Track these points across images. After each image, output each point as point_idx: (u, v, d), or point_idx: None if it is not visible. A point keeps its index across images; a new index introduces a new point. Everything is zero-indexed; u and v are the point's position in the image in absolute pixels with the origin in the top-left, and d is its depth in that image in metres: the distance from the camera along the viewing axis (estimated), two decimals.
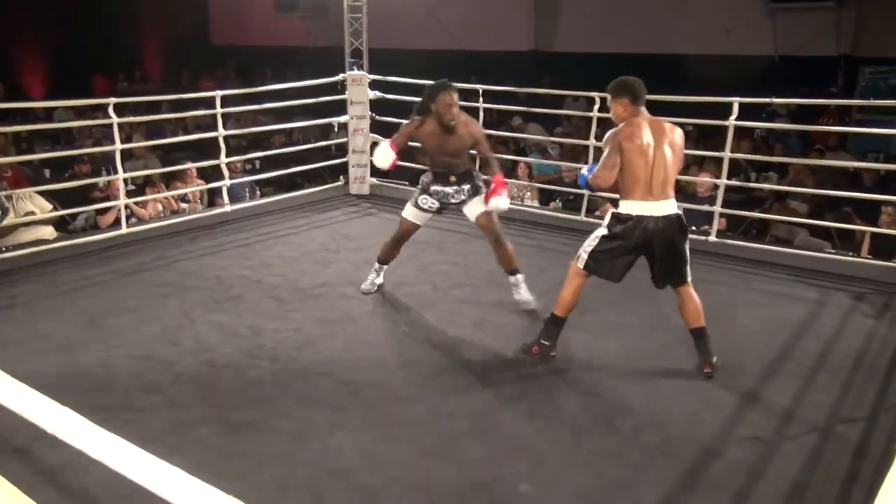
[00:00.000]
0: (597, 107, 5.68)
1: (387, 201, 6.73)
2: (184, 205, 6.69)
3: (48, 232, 5.64)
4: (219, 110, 5.84)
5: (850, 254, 5.26)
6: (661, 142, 3.33)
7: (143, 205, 6.25)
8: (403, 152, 4.29)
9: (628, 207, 3.35)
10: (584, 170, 3.59)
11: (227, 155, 6.04)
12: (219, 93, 5.86)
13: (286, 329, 3.96)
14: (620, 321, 4.09)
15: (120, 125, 5.34)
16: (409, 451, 2.85)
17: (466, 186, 4.26)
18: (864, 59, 9.84)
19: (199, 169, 6.63)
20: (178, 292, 4.49)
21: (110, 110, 5.23)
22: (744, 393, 3.31)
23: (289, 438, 2.93)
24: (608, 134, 3.41)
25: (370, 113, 6.81)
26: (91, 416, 1.67)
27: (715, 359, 3.44)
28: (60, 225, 5.91)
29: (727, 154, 5.23)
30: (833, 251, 5.40)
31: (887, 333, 3.97)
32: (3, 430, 2.79)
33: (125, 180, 5.69)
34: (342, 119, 6.87)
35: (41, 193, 5.70)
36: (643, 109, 3.41)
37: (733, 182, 5.61)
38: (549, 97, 7.81)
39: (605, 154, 3.37)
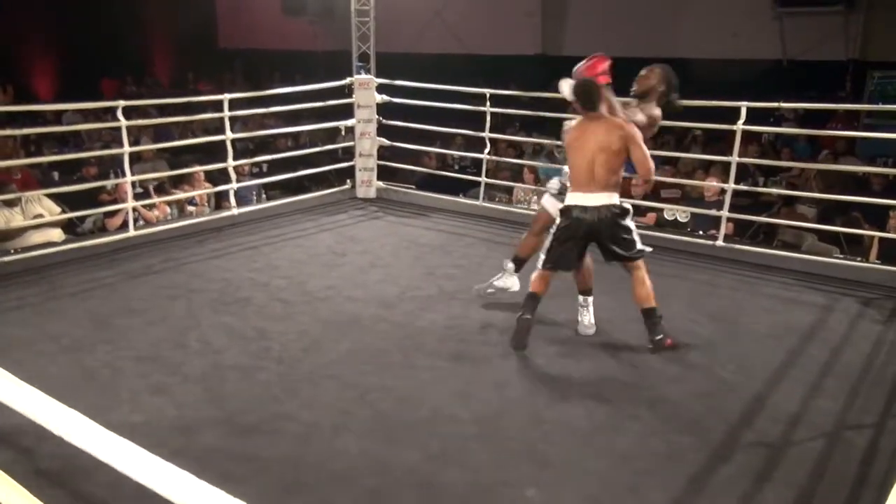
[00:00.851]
0: None
1: (393, 205, 6.75)
2: (191, 208, 6.72)
3: (57, 234, 5.67)
4: (227, 113, 5.86)
5: (859, 259, 5.23)
6: (591, 141, 3.67)
7: (150, 207, 6.28)
8: None
9: (567, 199, 3.78)
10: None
11: (235, 158, 6.07)
12: (227, 96, 5.89)
13: (292, 331, 3.97)
14: (626, 328, 4.08)
15: (128, 128, 5.37)
16: (414, 455, 2.85)
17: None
18: (872, 63, 9.81)
19: (206, 172, 6.66)
20: (185, 294, 4.51)
21: (119, 113, 5.27)
22: (751, 398, 3.30)
23: (295, 441, 2.93)
24: None
25: (377, 116, 6.82)
26: (97, 417, 1.68)
27: (660, 336, 3.71)
28: (69, 227, 5.94)
29: (735, 158, 5.21)
30: (841, 256, 5.38)
31: (895, 339, 3.95)
32: (10, 431, 2.80)
33: (133, 183, 5.72)
34: (349, 122, 6.89)
35: (50, 196, 5.73)
36: (596, 111, 3.78)
37: (741, 186, 5.59)
38: (557, 101, 7.79)
39: None
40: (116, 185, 6.20)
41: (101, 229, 5.97)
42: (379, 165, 6.96)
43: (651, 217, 6.46)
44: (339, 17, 10.23)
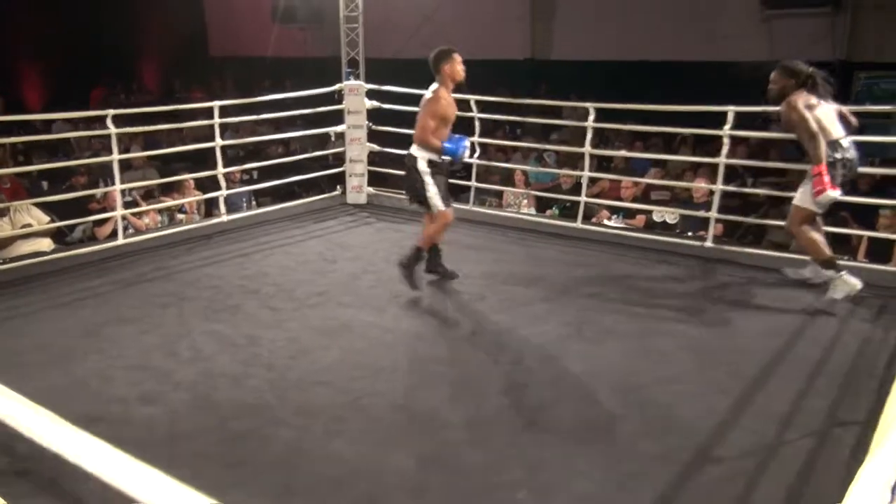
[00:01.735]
0: (591, 117, 5.70)
1: (384, 210, 6.75)
2: (181, 215, 6.71)
3: (46, 244, 5.65)
4: (217, 120, 5.86)
5: (847, 258, 5.26)
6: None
7: (139, 216, 6.27)
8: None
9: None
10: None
11: (225, 165, 6.07)
12: (217, 103, 5.89)
13: (283, 338, 3.96)
14: (616, 328, 4.10)
15: (118, 136, 5.36)
16: (407, 459, 2.85)
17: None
18: (859, 64, 9.87)
19: (196, 179, 6.65)
20: (176, 302, 4.50)
21: (108, 121, 5.26)
22: (741, 398, 3.31)
23: (287, 447, 2.93)
24: None
25: (367, 122, 6.83)
26: (88, 426, 1.68)
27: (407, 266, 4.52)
28: (58, 237, 5.93)
29: (723, 160, 5.25)
30: None
31: (884, 337, 3.98)
32: (1, 441, 2.79)
33: (123, 191, 5.71)
34: (339, 129, 6.90)
35: (39, 205, 5.72)
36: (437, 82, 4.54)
37: (729, 187, 5.62)
38: (545, 106, 7.83)
39: None
40: (106, 193, 6.19)
41: (91, 238, 5.96)
42: (369, 171, 6.97)
43: (640, 219, 6.50)
44: (329, 23, 10.24)
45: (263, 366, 3.63)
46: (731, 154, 5.40)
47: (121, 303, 4.50)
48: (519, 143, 8.45)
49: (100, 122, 5.56)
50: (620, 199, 6.75)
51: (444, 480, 2.72)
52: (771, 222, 6.06)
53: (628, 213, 6.62)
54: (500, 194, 7.36)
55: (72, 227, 6.05)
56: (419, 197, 4.56)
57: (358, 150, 6.86)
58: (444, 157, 4.49)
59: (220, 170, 5.99)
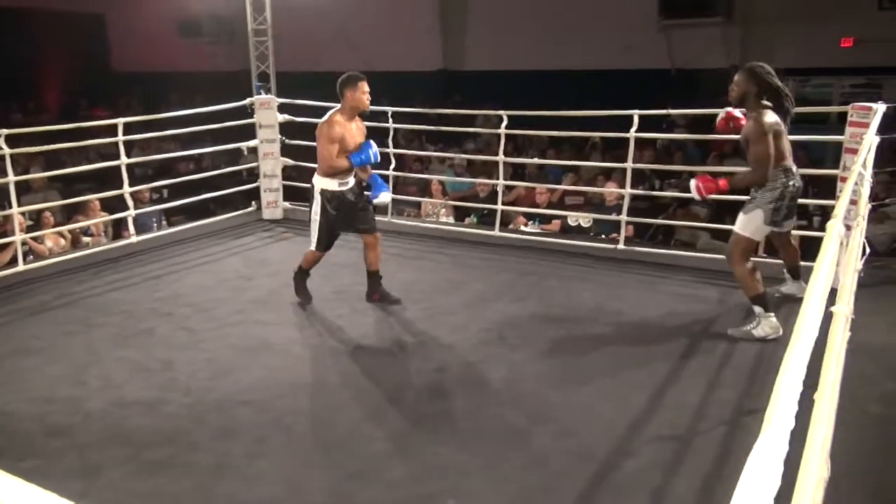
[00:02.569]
0: (504, 123, 5.81)
1: (302, 225, 6.62)
2: (87, 238, 6.43)
3: None
4: (121, 138, 5.66)
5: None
6: None
7: (41, 240, 5.97)
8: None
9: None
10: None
11: (132, 184, 5.85)
12: (121, 120, 5.69)
13: (199, 360, 3.85)
14: (536, 332, 4.17)
15: (14, 158, 5.09)
16: (332, 476, 2.82)
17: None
18: None
19: (102, 200, 6.38)
20: (83, 330, 4.30)
21: (1, 141, 4.99)
22: (655, 393, 3.43)
23: (207, 472, 2.84)
24: None
25: (280, 136, 6.74)
26: None
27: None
28: None
29: (630, 164, 5.44)
30: None
31: (784, 327, 4.20)
32: None
33: (23, 215, 5.42)
34: (252, 143, 6.77)
35: None
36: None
37: (637, 191, 5.83)
38: (458, 115, 7.95)
39: None
40: (3, 217, 5.86)
41: None
42: (285, 186, 6.87)
43: (556, 224, 6.65)
44: (238, 36, 10.06)
45: (180, 390, 3.52)
46: (638, 158, 5.61)
47: (23, 333, 4.26)
48: (431, 153, 8.51)
49: None
50: (536, 206, 6.89)
51: (371, 495, 2.70)
52: (678, 223, 6.33)
53: (544, 219, 6.76)
54: (418, 205, 7.40)
55: None
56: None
57: (272, 164, 6.75)
58: (352, 186, 4.41)
59: (127, 189, 5.77)
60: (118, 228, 6.61)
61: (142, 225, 6.38)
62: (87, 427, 3.18)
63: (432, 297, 4.81)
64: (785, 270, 4.61)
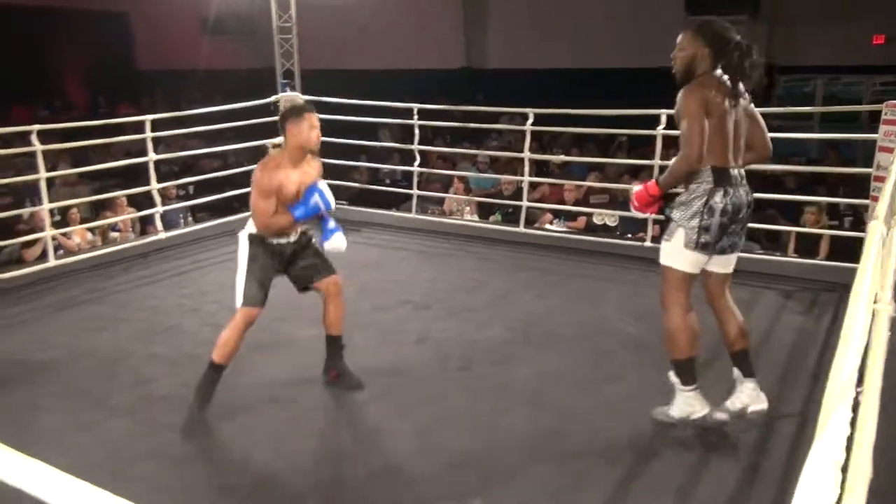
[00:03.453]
0: (530, 121, 5.78)
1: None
2: (114, 234, 6.50)
3: None
4: (149, 134, 5.71)
5: (777, 254, 5.47)
6: None
7: (69, 236, 6.04)
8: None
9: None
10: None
11: (159, 181, 5.90)
12: (148, 117, 5.74)
13: None
14: (561, 331, 4.14)
15: (45, 154, 5.15)
16: (357, 473, 2.82)
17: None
18: (780, 68, 10.31)
19: (129, 197, 6.45)
20: (112, 325, 4.34)
21: (33, 138, 5.05)
22: None
23: (233, 467, 2.86)
24: None
25: None
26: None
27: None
28: None
29: (657, 162, 5.38)
30: (761, 252, 5.61)
31: (815, 328, 4.14)
32: None
33: (52, 211, 5.49)
34: (276, 140, 6.78)
35: None
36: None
37: None
38: (483, 113, 7.92)
39: None
40: (32, 213, 5.94)
41: (19, 261, 5.69)
42: None
43: (581, 221, 6.61)
44: (262, 34, 10.11)
45: None
46: (664, 157, 5.54)
47: (53, 328, 4.32)
48: (455, 149, 8.49)
49: (20, 139, 5.33)
50: (560, 204, 6.85)
51: (397, 493, 2.69)
52: None
53: (569, 217, 6.72)
54: (442, 202, 7.39)
55: None
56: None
57: None
58: (293, 240, 3.42)
59: (155, 185, 5.83)
60: (145, 224, 6.67)
61: (168, 221, 6.44)
62: (115, 422, 3.21)
63: (455, 294, 4.80)
64: (732, 363, 3.09)
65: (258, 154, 7.63)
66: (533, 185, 6.99)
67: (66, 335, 4.20)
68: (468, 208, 7.11)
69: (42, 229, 5.36)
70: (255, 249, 3.33)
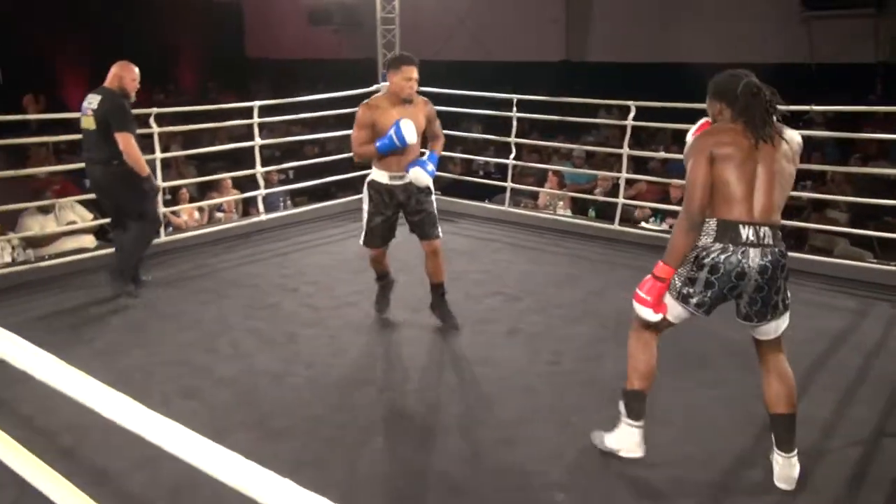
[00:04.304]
0: (632, 115, 5.66)
1: None
2: (219, 214, 6.80)
3: (89, 240, 5.77)
4: (256, 120, 5.94)
5: (893, 263, 5.15)
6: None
7: (179, 214, 6.37)
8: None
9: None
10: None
11: (262, 165, 6.13)
12: (256, 103, 5.97)
13: (322, 336, 4.00)
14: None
15: (158, 135, 5.46)
16: (443, 460, 2.86)
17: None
18: None
19: (234, 179, 6.74)
20: (216, 300, 4.56)
21: (151, 120, 5.36)
22: None
23: (324, 444, 2.95)
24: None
25: None
26: None
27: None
28: (100, 234, 6.04)
29: None
30: (874, 261, 5.29)
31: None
32: (54, 430, 2.86)
33: (163, 190, 5.80)
34: None
35: (82, 203, 5.84)
36: None
37: None
38: (581, 107, 7.80)
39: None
40: None
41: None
42: None
43: None
44: (365, 25, 10.31)
45: (303, 363, 3.67)
46: None
47: (162, 299, 4.58)
48: (550, 143, 8.39)
49: (138, 119, 5.64)
50: (657, 202, 6.68)
51: (481, 480, 2.72)
52: (813, 226, 5.95)
53: (670, 216, 6.54)
54: (535, 195, 7.34)
55: None
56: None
57: None
58: (406, 183, 3.86)
59: (259, 169, 6.07)
60: (247, 206, 6.95)
61: (270, 204, 6.68)
62: (217, 392, 3.38)
63: (547, 288, 4.77)
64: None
65: None
66: (629, 182, 6.84)
67: (175, 307, 4.45)
68: (562, 203, 7.04)
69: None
70: (368, 191, 3.95)
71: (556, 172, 7.36)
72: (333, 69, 13.37)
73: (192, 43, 15.87)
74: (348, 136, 7.95)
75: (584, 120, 7.40)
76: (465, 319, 4.22)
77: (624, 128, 5.79)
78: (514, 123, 6.30)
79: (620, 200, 5.91)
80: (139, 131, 4.82)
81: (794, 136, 2.59)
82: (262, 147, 6.20)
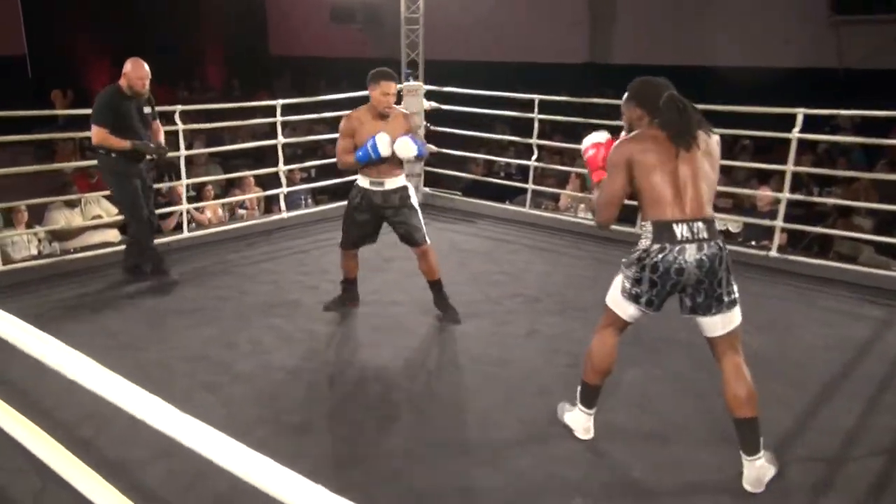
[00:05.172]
0: None
1: (439, 211, 6.77)
2: (242, 211, 6.85)
3: (113, 235, 5.85)
4: (279, 118, 5.98)
5: None
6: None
7: (202, 210, 6.43)
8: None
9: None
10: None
11: (284, 163, 6.17)
12: (280, 101, 6.01)
13: (340, 334, 4.02)
14: (675, 336, 4.01)
15: (183, 132, 5.51)
16: (461, 459, 2.86)
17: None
18: None
19: (256, 176, 6.79)
20: (236, 296, 4.60)
21: (176, 117, 5.41)
22: (803, 413, 3.22)
23: (342, 442, 2.97)
24: None
25: (425, 123, 6.87)
26: None
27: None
28: (125, 228, 6.11)
29: (790, 167, 5.10)
30: None
31: None
32: (73, 421, 2.90)
33: (186, 186, 5.87)
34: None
35: (108, 198, 5.91)
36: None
37: (796, 196, 5.45)
38: (603, 109, 7.76)
39: None
40: (171, 187, 6.37)
41: (156, 231, 6.12)
42: (425, 171, 7.00)
43: None
44: (388, 24, 10.34)
45: (320, 360, 3.69)
46: (796, 162, 5.25)
47: (183, 294, 4.63)
48: (574, 145, 8.35)
49: (163, 118, 5.70)
50: None
51: (497, 481, 2.71)
52: (838, 233, 5.87)
53: None
54: (556, 197, 7.31)
55: None
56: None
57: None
58: (386, 189, 4.02)
59: (282, 167, 6.11)
60: (269, 204, 7.00)
61: (291, 202, 6.72)
62: (235, 387, 3.41)
63: (566, 291, 4.75)
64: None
65: None
66: None
67: (195, 302, 4.49)
68: (582, 206, 7.01)
69: (179, 203, 5.74)
70: (351, 192, 4.16)
71: (579, 175, 7.31)
72: (356, 68, 13.39)
73: (216, 40, 16.02)
74: None
75: (607, 122, 7.34)
76: (483, 320, 4.22)
77: None
78: (536, 125, 6.28)
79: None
80: (165, 128, 4.90)
81: (713, 137, 2.70)
82: (285, 145, 6.24)
